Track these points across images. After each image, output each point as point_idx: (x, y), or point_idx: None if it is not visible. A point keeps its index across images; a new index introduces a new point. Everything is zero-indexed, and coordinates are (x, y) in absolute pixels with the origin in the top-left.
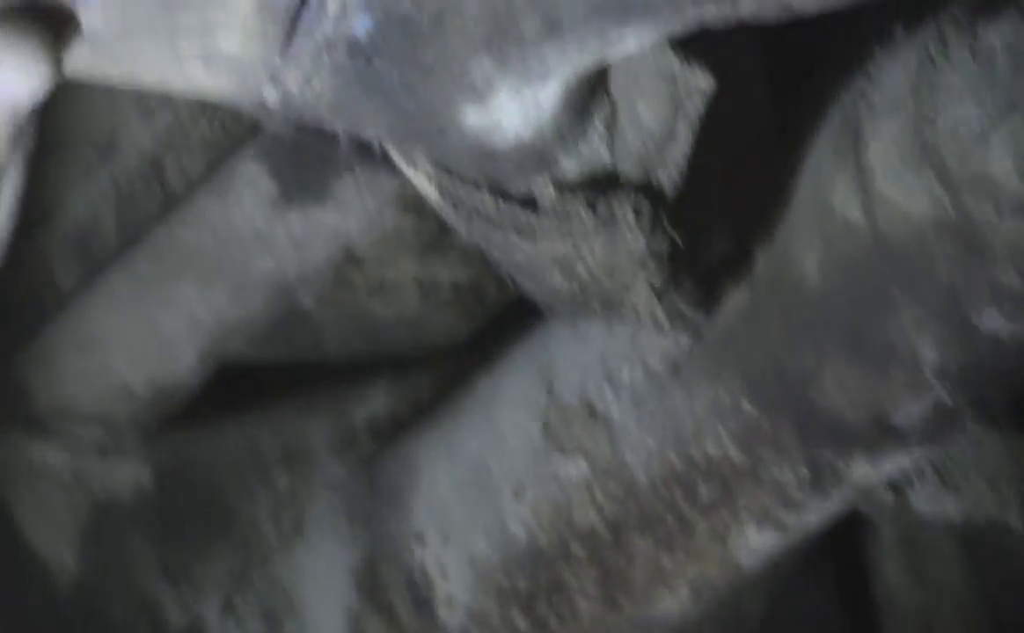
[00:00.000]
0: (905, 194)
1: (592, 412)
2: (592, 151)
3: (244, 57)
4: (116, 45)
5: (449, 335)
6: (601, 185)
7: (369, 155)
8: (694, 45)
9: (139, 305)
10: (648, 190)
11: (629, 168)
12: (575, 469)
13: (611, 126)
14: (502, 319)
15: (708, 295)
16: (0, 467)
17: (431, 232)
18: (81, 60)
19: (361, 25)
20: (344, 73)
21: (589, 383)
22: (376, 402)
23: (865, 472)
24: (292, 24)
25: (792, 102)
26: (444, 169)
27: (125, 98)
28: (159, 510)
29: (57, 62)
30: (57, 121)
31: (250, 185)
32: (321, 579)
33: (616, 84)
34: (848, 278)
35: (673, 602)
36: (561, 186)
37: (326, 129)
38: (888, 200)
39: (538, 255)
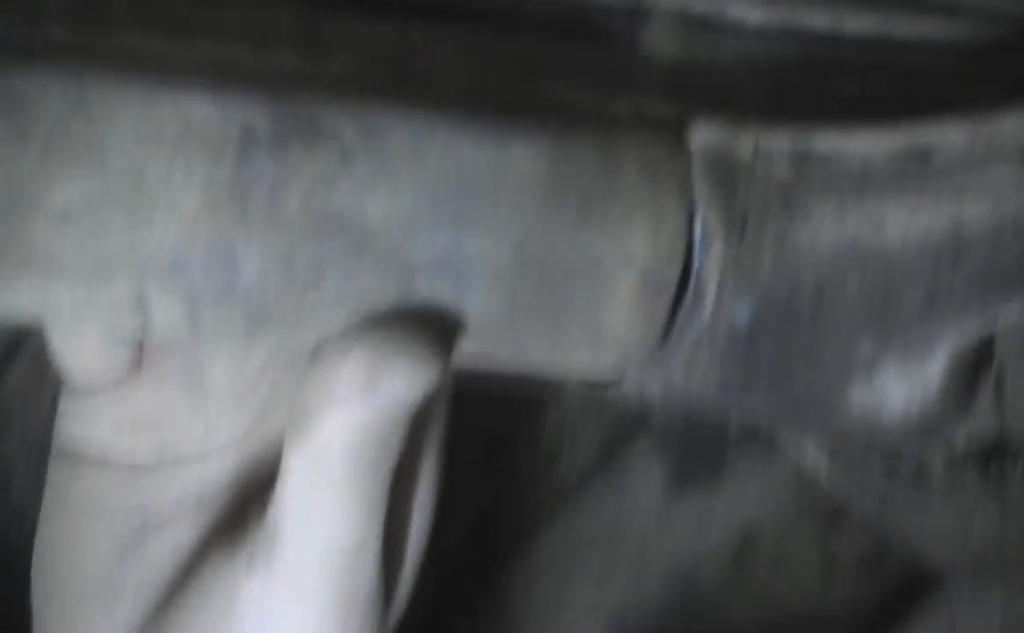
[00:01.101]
0: None
1: None
2: (981, 419)
3: (628, 337)
4: (500, 332)
5: (852, 607)
6: (991, 452)
7: (760, 435)
8: None
9: (536, 596)
10: None
11: (1018, 433)
12: None
13: (999, 393)
14: (903, 588)
15: None
16: None
17: (829, 506)
18: (466, 351)
19: (741, 313)
20: (725, 361)
21: None
22: None
23: None
24: (671, 313)
25: None
26: (831, 447)
27: (516, 396)
28: None
29: (444, 360)
30: (451, 422)
31: (644, 473)
32: None
33: (1001, 349)
34: None
35: None
36: (951, 456)
37: (713, 414)
38: None
39: (931, 525)
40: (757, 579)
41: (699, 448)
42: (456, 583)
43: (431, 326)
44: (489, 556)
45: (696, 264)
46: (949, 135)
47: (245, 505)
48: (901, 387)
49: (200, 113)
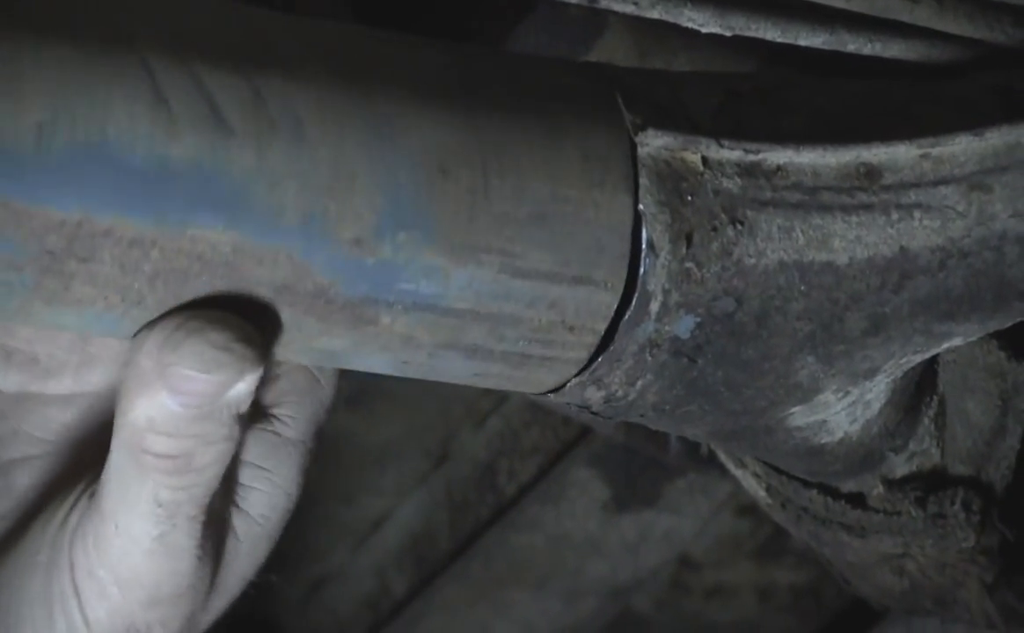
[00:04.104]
0: None
1: None
2: (921, 447)
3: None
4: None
5: None
6: (930, 481)
7: (700, 458)
8: (1021, 339)
9: (473, 611)
10: (978, 486)
11: (958, 464)
12: None
13: (939, 422)
14: (840, 618)
15: None
16: None
17: (767, 534)
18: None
19: (684, 324)
20: (667, 373)
21: None
22: None
23: None
24: (614, 321)
25: None
26: (772, 468)
27: (457, 406)
28: None
29: (254, 359)
30: (391, 432)
31: (582, 490)
32: None
33: (944, 379)
34: None
35: None
36: (890, 482)
37: (653, 431)
38: None
39: (868, 552)
40: (693, 605)
41: (637, 470)
42: (393, 601)
43: (242, 325)
44: (425, 573)
45: (641, 271)
46: (899, 154)
47: (95, 453)
48: (842, 409)
49: None
